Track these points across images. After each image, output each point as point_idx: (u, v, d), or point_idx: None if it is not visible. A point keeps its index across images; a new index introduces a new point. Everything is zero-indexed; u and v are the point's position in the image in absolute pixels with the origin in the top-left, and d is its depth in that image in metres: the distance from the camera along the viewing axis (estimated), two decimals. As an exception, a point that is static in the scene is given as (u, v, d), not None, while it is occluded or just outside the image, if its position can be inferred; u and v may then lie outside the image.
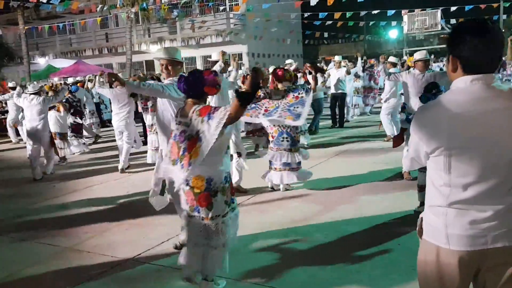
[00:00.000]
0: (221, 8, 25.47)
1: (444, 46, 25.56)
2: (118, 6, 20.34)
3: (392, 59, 10.19)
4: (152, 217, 5.46)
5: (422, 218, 2.02)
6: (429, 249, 1.94)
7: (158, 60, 4.35)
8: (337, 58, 12.21)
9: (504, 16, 24.82)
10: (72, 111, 10.28)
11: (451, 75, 1.94)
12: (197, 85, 3.31)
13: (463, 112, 1.81)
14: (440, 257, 1.90)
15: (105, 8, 20.41)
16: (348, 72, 11.61)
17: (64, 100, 9.70)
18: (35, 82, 9.44)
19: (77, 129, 10.51)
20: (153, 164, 8.11)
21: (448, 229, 1.86)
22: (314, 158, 8.32)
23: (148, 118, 8.60)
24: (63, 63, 25.75)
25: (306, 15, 17.78)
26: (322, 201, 5.77)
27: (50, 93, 9.41)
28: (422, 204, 4.97)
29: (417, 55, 6.68)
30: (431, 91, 4.73)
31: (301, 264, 3.98)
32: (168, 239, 4.72)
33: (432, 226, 1.93)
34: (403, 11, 19.88)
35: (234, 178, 6.08)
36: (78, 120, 10.52)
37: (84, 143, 10.62)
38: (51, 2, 15.67)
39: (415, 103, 5.97)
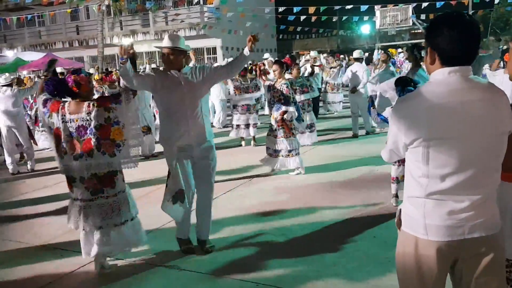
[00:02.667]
0: (195, 1, 25.24)
1: (414, 41, 25.99)
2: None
3: (356, 54, 10.14)
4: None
5: (400, 209, 2.03)
6: (407, 240, 1.95)
7: (160, 50, 3.99)
8: (312, 53, 12.22)
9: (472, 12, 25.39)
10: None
11: (429, 67, 1.95)
12: (65, 88, 3.70)
13: (441, 104, 1.82)
14: (419, 248, 1.91)
15: (74, 0, 19.95)
16: (322, 69, 11.65)
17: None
18: (7, 74, 9.17)
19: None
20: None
21: (427, 219, 1.87)
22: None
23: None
24: (32, 56, 25.02)
25: (280, 9, 17.74)
26: (298, 193, 5.78)
27: (28, 85, 9.19)
28: (395, 196, 5.08)
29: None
30: (410, 84, 4.76)
31: (277, 257, 3.98)
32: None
33: (410, 217, 1.94)
34: (375, 6, 20.10)
35: None
36: None
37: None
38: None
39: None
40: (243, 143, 9.21)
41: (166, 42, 3.97)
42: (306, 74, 9.60)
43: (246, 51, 3.93)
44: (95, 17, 25.52)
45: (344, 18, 21.13)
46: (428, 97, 1.85)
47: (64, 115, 3.66)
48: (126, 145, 3.71)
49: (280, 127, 6.60)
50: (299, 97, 8.09)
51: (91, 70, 20.16)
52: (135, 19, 29.07)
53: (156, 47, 4.45)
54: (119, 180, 3.80)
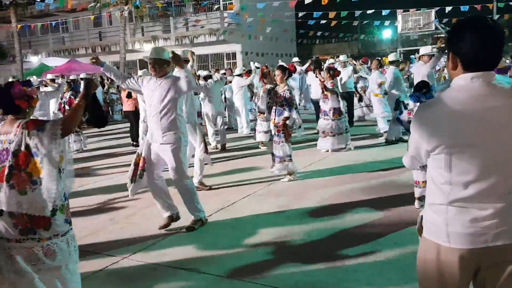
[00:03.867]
0: (215, 7, 25.43)
1: (437, 46, 25.68)
2: (110, 4, 20.23)
3: (392, 56, 10.04)
4: (146, 216, 5.45)
5: (422, 216, 2.02)
6: (429, 247, 1.93)
7: (147, 60, 4.79)
8: (341, 57, 12.19)
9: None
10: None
11: (451, 73, 1.93)
12: (5, 100, 2.97)
13: (464, 110, 1.80)
14: (441, 255, 1.89)
15: (97, 5, 20.30)
16: (355, 71, 11.63)
17: (68, 97, 9.72)
18: (34, 77, 9.43)
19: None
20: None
21: (449, 227, 1.86)
22: (312, 154, 8.36)
23: None
24: (56, 62, 25.55)
25: (300, 14, 17.74)
26: (317, 198, 5.76)
27: (51, 88, 9.41)
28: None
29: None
30: (421, 90, 4.74)
31: (297, 261, 3.97)
32: (164, 237, 4.70)
33: (432, 224, 1.92)
34: (398, 11, 19.94)
35: (197, 173, 6.52)
36: None
37: (81, 140, 10.57)
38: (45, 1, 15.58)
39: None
40: (263, 147, 9.23)
41: (151, 54, 4.79)
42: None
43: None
44: (118, 23, 25.92)
45: (365, 22, 20.96)
46: (450, 103, 1.84)
47: None
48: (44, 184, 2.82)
49: (280, 133, 6.57)
50: None
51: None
52: (156, 25, 29.43)
53: (145, 57, 5.09)
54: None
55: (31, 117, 3.05)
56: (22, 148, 2.81)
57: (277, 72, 6.76)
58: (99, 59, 4.95)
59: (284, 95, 6.54)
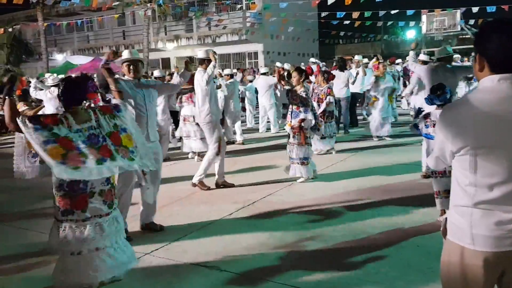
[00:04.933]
0: (238, 6, 25.50)
1: (462, 47, 25.24)
2: (134, 3, 20.49)
3: (423, 57, 9.82)
4: (169, 213, 5.52)
5: (446, 218, 2.01)
6: (453, 250, 1.92)
7: (120, 64, 4.85)
8: (357, 57, 12.09)
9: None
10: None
11: (478, 74, 1.92)
12: (82, 93, 3.45)
13: (490, 111, 1.79)
14: (465, 258, 1.88)
15: (122, 4, 20.57)
16: (364, 73, 11.49)
17: None
18: (54, 75, 9.62)
19: None
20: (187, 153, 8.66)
21: (473, 229, 1.84)
22: (331, 157, 8.33)
23: (186, 109, 8.74)
24: (81, 60, 26.00)
25: (323, 14, 17.65)
26: (338, 200, 5.74)
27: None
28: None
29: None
30: (435, 92, 4.70)
31: (318, 262, 3.98)
32: (185, 235, 4.75)
33: (456, 226, 1.91)
34: (422, 11, 19.65)
35: (199, 172, 6.50)
36: None
37: None
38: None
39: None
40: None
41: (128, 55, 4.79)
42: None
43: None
44: (141, 22, 26.22)
45: (389, 23, 20.70)
46: (476, 104, 1.82)
47: (71, 127, 3.38)
48: None
49: (296, 134, 6.56)
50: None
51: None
52: (179, 25, 29.68)
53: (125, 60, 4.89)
54: None
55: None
56: (112, 128, 3.42)
57: (294, 74, 6.76)
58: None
59: (301, 97, 6.54)
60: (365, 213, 5.19)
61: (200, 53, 6.55)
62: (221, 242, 4.54)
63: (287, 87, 6.86)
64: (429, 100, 4.68)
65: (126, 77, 4.83)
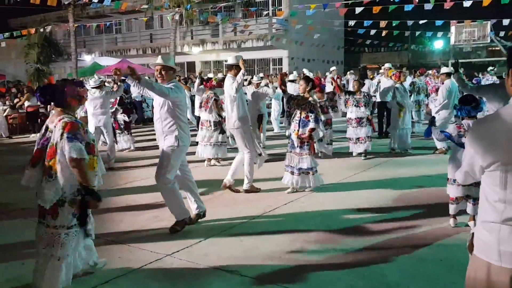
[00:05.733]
0: (264, 13, 25.58)
1: (492, 59, 24.77)
2: (163, 8, 20.78)
3: (446, 69, 9.65)
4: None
5: (473, 233, 1.98)
6: (479, 266, 1.90)
7: (154, 67, 5.05)
8: (387, 65, 11.98)
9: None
10: (122, 109, 10.67)
11: (510, 89, 1.90)
12: (59, 95, 3.51)
13: (523, 127, 1.77)
14: (491, 274, 1.85)
15: (147, 7, 20.88)
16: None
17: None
18: (96, 76, 9.83)
19: (127, 126, 10.83)
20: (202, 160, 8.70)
21: (501, 246, 1.82)
22: (355, 166, 8.27)
23: (204, 115, 8.83)
24: (108, 61, 26.43)
25: (350, 22, 17.56)
26: (359, 210, 5.71)
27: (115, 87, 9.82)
28: (453, 216, 4.96)
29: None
30: (470, 104, 4.63)
31: (338, 271, 3.95)
32: (206, 237, 4.78)
33: (484, 242, 1.89)
34: (451, 22, 19.39)
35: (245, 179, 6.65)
36: (126, 118, 10.80)
37: (130, 139, 10.92)
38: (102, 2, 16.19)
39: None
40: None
41: (159, 60, 4.95)
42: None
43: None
44: (168, 26, 26.54)
45: (417, 33, 20.43)
46: (509, 119, 1.80)
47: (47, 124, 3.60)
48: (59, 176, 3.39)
49: (305, 145, 6.44)
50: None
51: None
52: (206, 29, 29.93)
53: (152, 64, 5.20)
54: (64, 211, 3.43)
55: (74, 117, 3.54)
56: (54, 143, 3.36)
57: (301, 83, 6.73)
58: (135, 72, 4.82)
59: (310, 106, 6.46)
60: (387, 224, 5.14)
61: (230, 58, 6.56)
62: (241, 247, 4.55)
63: (293, 93, 6.86)
64: (466, 112, 4.61)
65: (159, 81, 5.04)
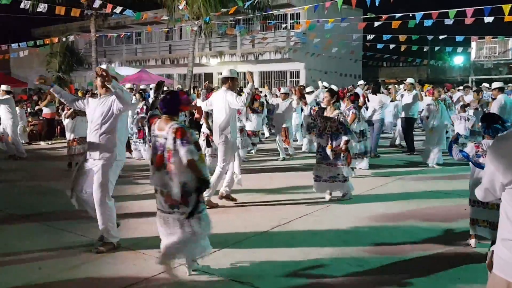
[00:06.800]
0: (283, 26, 25.70)
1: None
2: (183, 19, 21.03)
3: (497, 84, 9.56)
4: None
5: (493, 251, 1.95)
6: (499, 284, 1.86)
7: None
8: (409, 80, 11.93)
9: None
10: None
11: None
12: (174, 103, 4.02)
13: (545, 144, 1.74)
14: (511, 293, 1.81)
15: (167, 19, 21.14)
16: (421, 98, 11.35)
17: (140, 106, 10.39)
18: (127, 85, 10.02)
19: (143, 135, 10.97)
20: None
21: (522, 265, 1.78)
22: (372, 180, 8.20)
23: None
24: (128, 71, 26.85)
25: (369, 37, 17.51)
26: (377, 224, 5.64)
27: (138, 97, 10.01)
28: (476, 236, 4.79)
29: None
30: (497, 122, 4.55)
31: (351, 286, 3.90)
32: (219, 249, 4.77)
33: (504, 261, 1.85)
34: (472, 37, 19.23)
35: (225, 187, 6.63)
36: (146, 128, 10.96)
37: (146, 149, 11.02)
38: (124, 13, 16.45)
39: None
40: None
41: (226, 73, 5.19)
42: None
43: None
44: (187, 38, 26.84)
45: (437, 48, 20.30)
46: (530, 137, 1.78)
47: (154, 130, 4.04)
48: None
49: (342, 156, 6.57)
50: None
51: (178, 87, 21.19)
52: (224, 41, 30.19)
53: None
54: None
55: (179, 122, 4.04)
56: (171, 147, 3.85)
57: (326, 95, 6.75)
58: (48, 80, 4.93)
59: (339, 119, 6.53)
60: (405, 241, 5.06)
61: (224, 72, 6.59)
62: (255, 259, 4.53)
63: (316, 107, 6.89)
64: (495, 130, 4.52)
65: None
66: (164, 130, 3.91)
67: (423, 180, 8.27)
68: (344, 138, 6.48)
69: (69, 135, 9.49)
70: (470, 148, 4.63)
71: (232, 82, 6.48)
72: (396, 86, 17.33)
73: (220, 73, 30.25)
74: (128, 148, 9.68)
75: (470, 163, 4.61)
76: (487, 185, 1.95)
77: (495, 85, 9.46)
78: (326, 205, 6.52)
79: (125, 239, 5.12)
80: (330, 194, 6.76)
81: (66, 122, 9.53)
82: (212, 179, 6.35)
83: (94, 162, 4.82)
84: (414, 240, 5.08)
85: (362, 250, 4.79)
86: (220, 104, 6.46)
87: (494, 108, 8.82)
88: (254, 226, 5.55)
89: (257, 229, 5.45)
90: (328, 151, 6.57)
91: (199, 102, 10.45)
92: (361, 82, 14.64)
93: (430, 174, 8.86)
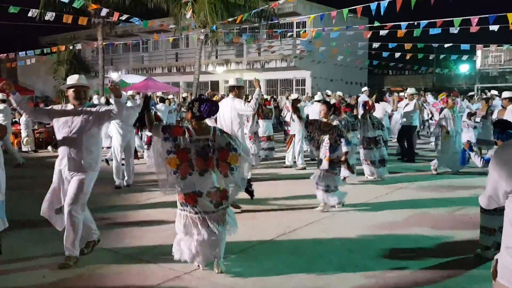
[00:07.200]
0: (289, 34, 25.79)
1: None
2: (190, 28, 21.17)
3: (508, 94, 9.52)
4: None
5: (497, 259, 1.94)
6: (503, 293, 1.85)
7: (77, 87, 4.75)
8: (409, 90, 11.96)
9: None
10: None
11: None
12: (215, 110, 4.41)
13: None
14: (515, 303, 1.80)
15: (174, 27, 21.29)
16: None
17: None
18: (123, 93, 10.05)
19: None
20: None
21: (526, 273, 1.77)
22: (378, 189, 8.17)
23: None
24: (134, 79, 26.96)
25: (374, 45, 17.53)
26: (383, 233, 5.61)
27: (131, 103, 10.01)
28: (486, 248, 4.70)
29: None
30: (511, 128, 4.53)
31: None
32: (225, 257, 4.76)
33: (508, 269, 1.84)
34: (477, 46, 19.20)
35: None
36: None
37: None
38: (130, 20, 16.58)
39: None
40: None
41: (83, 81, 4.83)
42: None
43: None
44: (194, 46, 26.99)
45: (442, 56, 20.27)
46: (534, 145, 1.78)
47: (191, 136, 4.20)
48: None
49: (337, 166, 6.57)
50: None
51: (184, 95, 21.28)
52: (230, 49, 30.35)
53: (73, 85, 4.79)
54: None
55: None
56: (224, 146, 4.24)
57: (322, 107, 6.76)
58: (11, 87, 4.57)
59: (337, 131, 6.53)
60: (411, 250, 5.04)
61: (231, 80, 6.81)
62: (260, 268, 4.52)
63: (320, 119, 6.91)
64: (508, 136, 4.50)
65: None
66: (207, 134, 4.25)
67: (428, 189, 8.23)
68: (344, 149, 6.46)
69: None
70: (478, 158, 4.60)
71: (239, 90, 6.67)
72: (396, 94, 17.27)
73: (227, 81, 30.44)
74: (135, 155, 9.70)
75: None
76: (491, 192, 1.95)
77: (506, 94, 9.45)
78: (331, 213, 6.51)
79: (130, 247, 5.14)
80: (325, 204, 6.64)
81: None
82: None
83: (71, 173, 4.59)
84: (420, 248, 5.05)
85: (368, 258, 4.77)
86: (227, 112, 6.53)
87: (508, 118, 8.76)
88: (259, 234, 5.54)
89: (262, 237, 5.44)
90: (326, 162, 6.54)
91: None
92: (365, 88, 14.64)
93: (435, 182, 8.82)
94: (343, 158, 6.49)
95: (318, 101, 11.75)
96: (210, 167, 4.17)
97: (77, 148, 4.56)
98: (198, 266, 4.41)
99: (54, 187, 4.73)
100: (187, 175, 4.13)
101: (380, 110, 10.64)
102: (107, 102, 11.16)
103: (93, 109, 4.68)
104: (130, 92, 13.23)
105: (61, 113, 4.70)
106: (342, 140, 6.48)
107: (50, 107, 4.83)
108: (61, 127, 4.63)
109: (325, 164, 6.53)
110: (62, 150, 4.63)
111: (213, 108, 4.32)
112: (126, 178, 8.82)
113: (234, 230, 4.41)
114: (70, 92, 4.70)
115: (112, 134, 8.97)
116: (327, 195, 6.54)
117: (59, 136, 4.66)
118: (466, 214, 6.39)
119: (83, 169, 4.59)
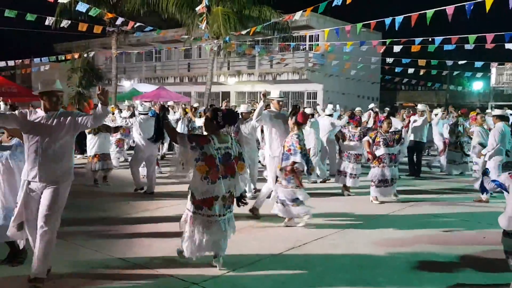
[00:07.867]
0: (301, 47, 25.82)
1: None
2: (203, 38, 21.30)
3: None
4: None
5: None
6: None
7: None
8: (420, 106, 11.84)
9: None
10: None
11: None
12: (236, 119, 5.05)
13: None
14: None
15: (187, 37, 21.43)
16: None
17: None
18: (144, 103, 10.13)
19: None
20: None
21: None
22: (389, 205, 8.06)
23: None
24: (146, 88, 27.15)
25: (388, 60, 17.48)
26: (392, 250, 5.52)
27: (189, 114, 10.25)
28: None
29: None
30: None
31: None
32: (232, 270, 4.70)
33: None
34: (492, 63, 19.08)
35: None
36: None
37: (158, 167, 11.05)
38: (144, 30, 16.71)
39: None
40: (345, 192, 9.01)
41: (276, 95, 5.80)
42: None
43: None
44: (206, 56, 27.12)
45: (456, 73, 20.12)
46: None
47: (214, 145, 4.49)
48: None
49: (289, 177, 6.35)
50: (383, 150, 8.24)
51: (196, 104, 21.34)
52: (242, 61, 30.43)
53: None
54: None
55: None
56: (237, 154, 4.69)
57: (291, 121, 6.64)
58: None
59: (292, 140, 6.34)
60: (421, 269, 4.93)
61: (275, 93, 7.23)
62: (269, 282, 4.46)
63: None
64: None
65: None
66: (226, 142, 4.62)
67: (440, 206, 8.11)
68: (291, 159, 6.28)
69: (90, 151, 9.56)
70: (504, 178, 4.43)
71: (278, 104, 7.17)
72: (404, 110, 17.02)
73: (239, 92, 30.44)
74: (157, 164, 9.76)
75: (505, 193, 4.42)
76: (511, 213, 1.88)
77: (496, 112, 9.22)
78: (341, 229, 6.42)
79: (139, 257, 5.10)
80: (290, 219, 6.54)
81: (88, 137, 9.62)
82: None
83: (42, 185, 4.21)
84: (431, 266, 4.95)
85: (378, 275, 4.68)
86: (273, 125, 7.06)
87: (493, 137, 8.58)
88: (269, 248, 5.47)
89: (271, 251, 5.37)
90: (278, 172, 6.49)
91: (198, 122, 10.83)
92: (372, 105, 14.62)
93: (447, 200, 8.69)
94: (288, 168, 6.31)
95: (330, 115, 11.69)
96: (231, 173, 4.55)
97: (49, 158, 4.18)
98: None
99: (23, 202, 4.23)
100: (217, 180, 4.45)
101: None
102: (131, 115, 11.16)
103: (68, 117, 4.28)
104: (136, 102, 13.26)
105: (33, 119, 4.25)
106: (292, 149, 6.27)
107: (18, 111, 4.32)
108: (31, 136, 4.22)
109: (278, 173, 6.54)
110: (31, 160, 4.20)
111: (234, 118, 4.86)
112: (148, 186, 8.87)
113: (233, 230, 4.85)
114: (44, 98, 4.29)
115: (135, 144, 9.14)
116: (286, 209, 6.45)
117: (28, 144, 4.24)
118: (479, 233, 6.26)
119: (56, 180, 4.21)
